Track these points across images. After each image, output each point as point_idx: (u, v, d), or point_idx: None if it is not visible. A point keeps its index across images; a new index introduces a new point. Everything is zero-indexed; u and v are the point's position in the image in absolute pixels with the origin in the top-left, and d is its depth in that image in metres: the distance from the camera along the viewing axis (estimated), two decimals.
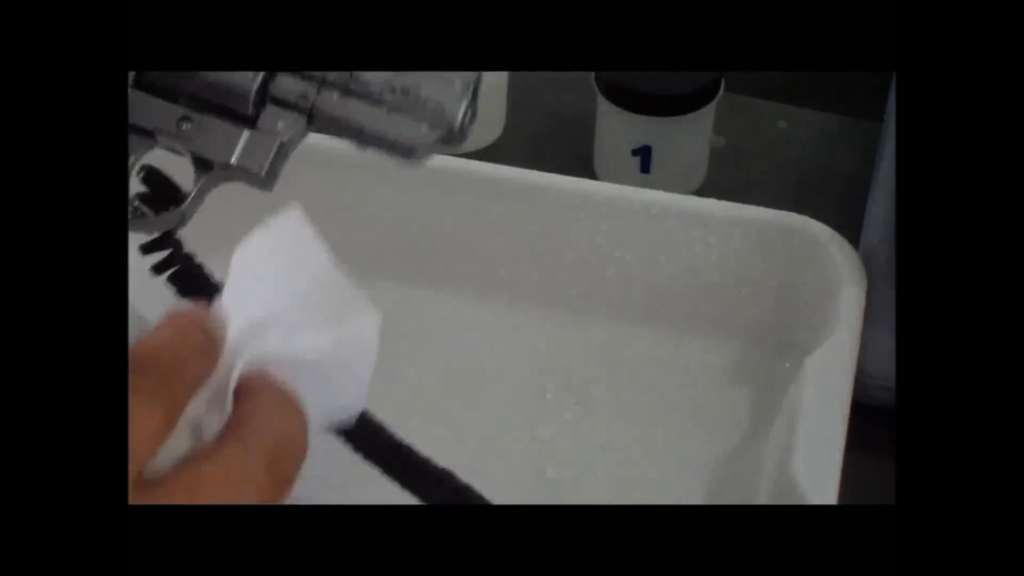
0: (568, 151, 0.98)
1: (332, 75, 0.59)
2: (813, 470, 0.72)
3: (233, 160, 0.60)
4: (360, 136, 0.60)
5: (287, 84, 0.60)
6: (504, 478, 0.81)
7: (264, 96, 0.60)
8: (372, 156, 0.60)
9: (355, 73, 0.59)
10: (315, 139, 0.61)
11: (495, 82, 0.98)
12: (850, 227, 0.85)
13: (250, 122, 0.60)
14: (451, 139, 0.60)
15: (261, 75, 0.59)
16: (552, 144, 0.99)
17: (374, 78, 0.59)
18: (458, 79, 0.60)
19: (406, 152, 0.60)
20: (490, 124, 0.99)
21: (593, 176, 0.96)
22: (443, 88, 0.59)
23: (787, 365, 0.84)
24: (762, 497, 0.76)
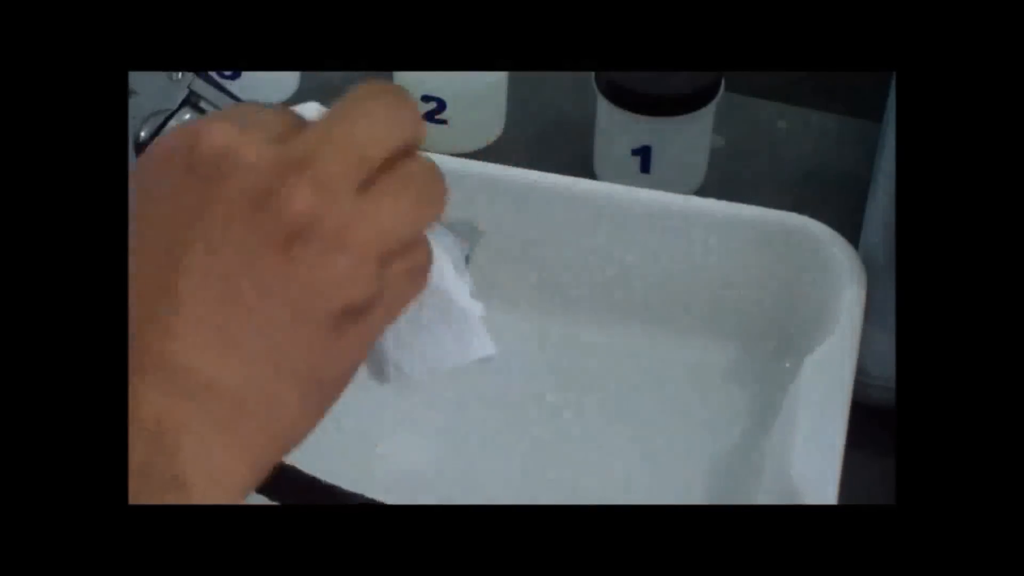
0: (568, 151, 0.98)
1: None
2: (813, 470, 0.72)
3: None
4: None
5: None
6: (504, 478, 0.81)
7: None
8: None
9: None
10: None
11: (495, 82, 0.98)
12: (850, 227, 0.85)
13: None
14: None
15: None
16: (552, 144, 0.99)
17: None
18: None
19: None
20: (490, 124, 0.99)
21: (593, 176, 0.95)
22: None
23: (787, 365, 0.84)
24: (762, 497, 0.76)
